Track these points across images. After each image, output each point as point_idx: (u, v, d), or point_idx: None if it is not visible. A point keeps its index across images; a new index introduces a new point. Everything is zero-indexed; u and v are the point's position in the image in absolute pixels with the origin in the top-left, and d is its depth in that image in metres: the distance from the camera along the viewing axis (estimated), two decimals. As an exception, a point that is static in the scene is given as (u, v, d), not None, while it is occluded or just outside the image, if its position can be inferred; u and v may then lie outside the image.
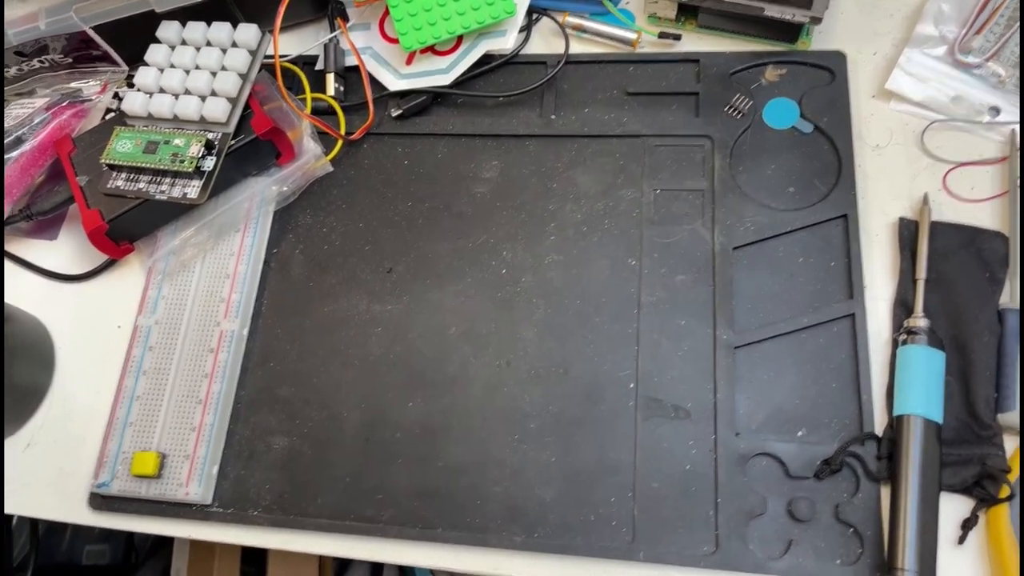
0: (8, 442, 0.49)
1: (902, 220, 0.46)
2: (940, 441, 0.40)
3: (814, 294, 0.45)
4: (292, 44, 0.57)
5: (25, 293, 0.53)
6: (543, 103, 0.53)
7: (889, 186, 0.47)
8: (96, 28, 0.51)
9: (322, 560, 0.87)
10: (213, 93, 0.49)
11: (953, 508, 0.40)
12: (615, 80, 0.53)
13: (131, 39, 0.52)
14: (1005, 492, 0.39)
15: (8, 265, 0.54)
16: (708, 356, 0.44)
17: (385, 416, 0.46)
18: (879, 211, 0.47)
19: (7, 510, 0.47)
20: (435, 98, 0.54)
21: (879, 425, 0.42)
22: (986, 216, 0.46)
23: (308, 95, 0.54)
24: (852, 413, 0.42)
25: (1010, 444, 0.41)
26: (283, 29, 0.54)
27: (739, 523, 0.41)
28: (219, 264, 0.50)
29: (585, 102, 0.52)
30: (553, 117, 0.52)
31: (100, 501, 0.46)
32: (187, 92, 0.49)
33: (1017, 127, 0.47)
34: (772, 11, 0.49)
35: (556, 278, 0.48)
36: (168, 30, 0.51)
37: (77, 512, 0.47)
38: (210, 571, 0.76)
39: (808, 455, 0.42)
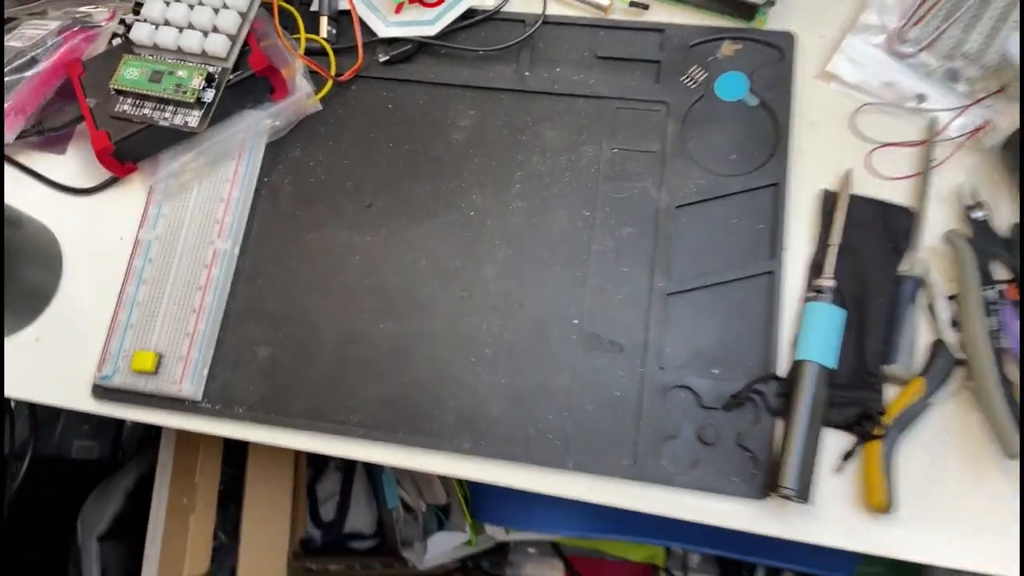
0: (18, 336, 0.55)
1: (825, 192, 0.52)
2: (830, 385, 0.47)
3: (742, 252, 0.51)
4: (290, -16, 0.60)
5: (35, 202, 0.58)
6: (519, 60, 0.57)
7: (819, 160, 0.53)
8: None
9: (297, 464, 0.94)
10: (215, 29, 0.53)
11: (838, 442, 0.47)
12: (586, 43, 0.57)
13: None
14: (880, 432, 0.46)
15: (19, 175, 0.59)
16: (644, 301, 0.51)
17: (359, 335, 0.52)
18: (807, 182, 0.53)
19: (18, 395, 0.53)
20: (420, 47, 0.58)
21: (783, 368, 0.49)
22: (900, 193, 0.52)
23: (302, 35, 0.58)
24: (761, 356, 0.49)
25: (890, 392, 0.48)
26: (282, -30, 0.58)
27: (655, 443, 0.48)
28: (215, 188, 0.55)
29: (558, 61, 0.57)
30: (527, 74, 0.57)
31: (102, 392, 0.52)
32: (191, 26, 0.54)
33: (939, 114, 0.53)
34: (732, -10, 0.54)
35: (519, 223, 0.53)
36: (174, -35, 0.55)
37: (81, 400, 0.53)
38: (194, 466, 0.83)
39: (720, 390, 0.49)
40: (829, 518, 0.46)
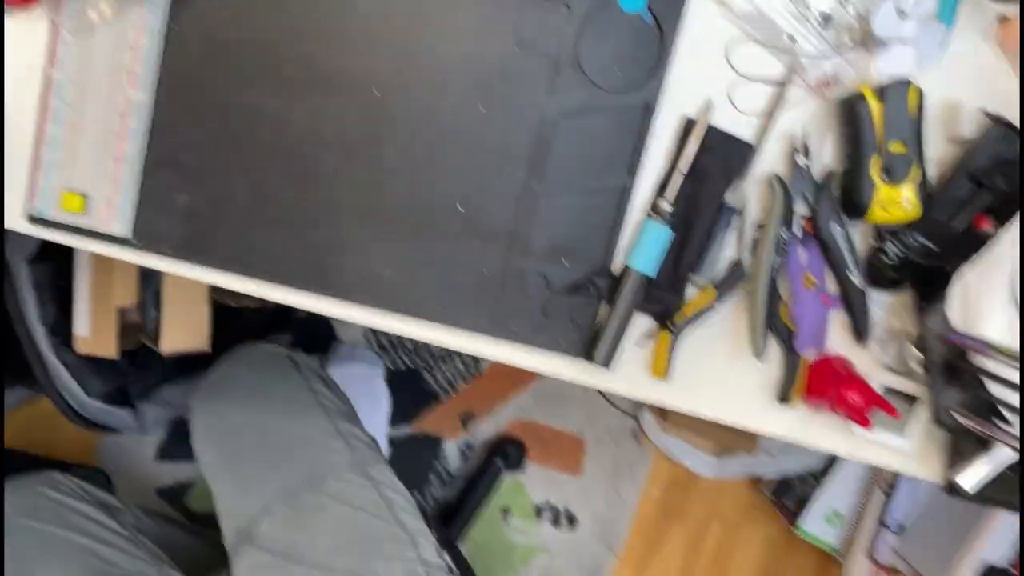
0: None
1: (686, 120, 0.59)
2: (646, 287, 0.60)
3: (605, 163, 0.60)
4: None
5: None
6: (433, -71, 0.57)
7: (689, 83, 0.59)
8: None
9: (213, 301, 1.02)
10: None
11: (643, 324, 0.62)
12: (502, -79, 0.57)
13: None
14: (672, 325, 0.61)
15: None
16: (518, 196, 0.60)
17: (268, 193, 0.60)
18: (674, 102, 0.60)
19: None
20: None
21: (617, 266, 0.61)
22: (751, 127, 0.60)
23: None
24: (602, 254, 0.61)
25: (691, 292, 0.62)
26: None
27: (508, 310, 0.61)
28: (122, 35, 0.56)
29: (471, -63, 0.57)
30: (440, -53, 0.57)
31: (38, 220, 0.59)
32: None
33: (802, 59, 0.59)
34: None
35: (418, 107, 0.59)
36: None
37: (18, 223, 0.60)
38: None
39: (566, 276, 0.61)
40: (623, 376, 0.63)
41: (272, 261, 0.60)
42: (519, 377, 1.36)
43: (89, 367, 0.99)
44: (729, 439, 1.33)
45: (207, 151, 0.59)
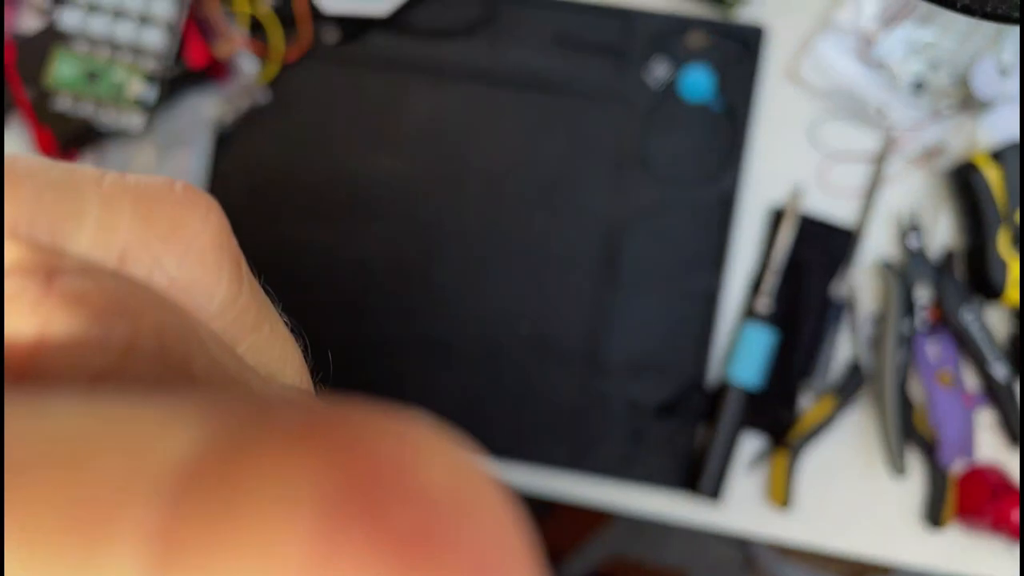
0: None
1: (776, 212, 0.53)
2: (751, 403, 0.52)
3: (688, 262, 0.54)
4: (225, -66, 0.55)
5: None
6: (478, 41, 0.54)
7: (773, 167, 0.53)
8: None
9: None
10: (149, 17, 0.50)
11: (754, 443, 0.54)
12: (548, 24, 0.54)
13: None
14: (789, 441, 0.52)
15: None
16: (592, 306, 0.54)
17: (314, 334, 0.55)
18: (760, 189, 0.54)
19: None
20: (373, 24, 0.54)
21: (714, 377, 0.53)
22: (847, 207, 0.53)
23: (243, 7, 0.54)
24: (694, 365, 0.54)
25: (805, 401, 0.53)
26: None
27: (591, 439, 0.54)
28: (167, 181, 0.54)
29: (517, 43, 0.54)
30: (486, 60, 0.54)
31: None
32: (123, 13, 0.50)
33: (896, 131, 0.53)
34: (704, -15, 0.50)
35: (473, 224, 0.54)
36: (94, -69, 0.49)
37: None
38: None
39: (654, 395, 0.54)
40: (737, 508, 0.54)
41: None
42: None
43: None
44: (861, 564, 1.17)
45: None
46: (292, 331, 0.15)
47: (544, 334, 0.54)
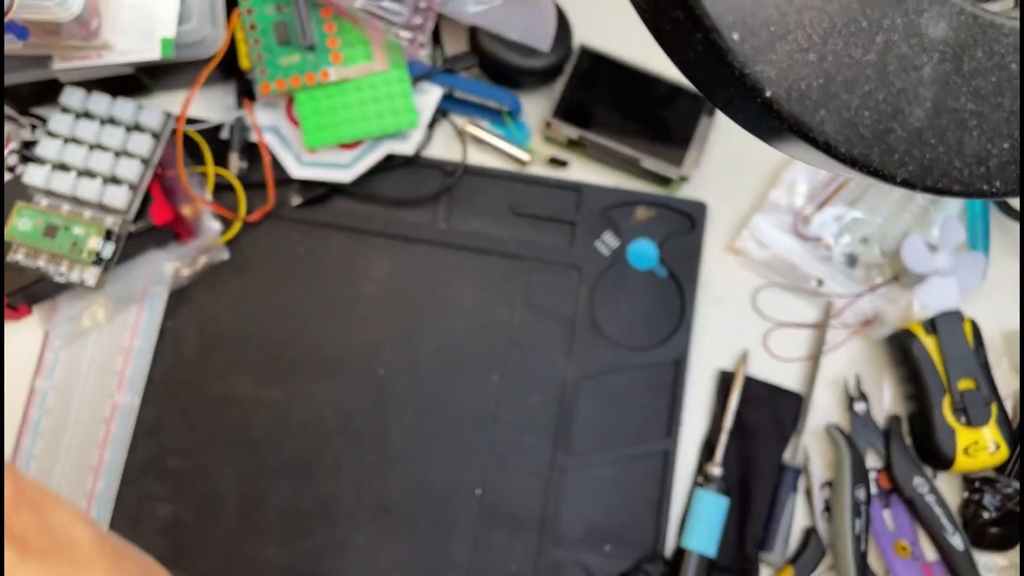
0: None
1: (722, 373, 0.54)
2: (709, 570, 0.50)
3: (640, 427, 0.53)
4: (199, 107, 0.57)
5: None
6: (437, 209, 0.57)
7: (720, 335, 0.55)
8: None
9: None
10: (114, 178, 0.51)
11: (713, 619, 0.51)
12: (505, 196, 0.57)
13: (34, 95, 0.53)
14: (752, 614, 0.50)
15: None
16: (544, 474, 0.53)
17: (262, 495, 0.52)
18: (708, 356, 0.55)
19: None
20: (335, 189, 0.57)
21: (670, 548, 0.52)
22: (792, 375, 0.54)
23: (210, 169, 0.56)
24: (651, 534, 0.52)
25: (766, 574, 0.51)
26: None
27: (546, 620, 0.50)
28: (115, 336, 0.54)
29: (475, 213, 0.57)
30: (444, 225, 0.56)
31: None
32: (89, 173, 0.51)
33: (834, 299, 0.55)
34: (648, 164, 0.54)
35: (428, 386, 0.54)
36: (72, 98, 0.52)
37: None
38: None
39: (610, 567, 0.51)
40: None
41: (262, 574, 0.51)
42: None
43: None
44: None
45: (196, 453, 0.53)
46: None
47: (496, 501, 0.52)
